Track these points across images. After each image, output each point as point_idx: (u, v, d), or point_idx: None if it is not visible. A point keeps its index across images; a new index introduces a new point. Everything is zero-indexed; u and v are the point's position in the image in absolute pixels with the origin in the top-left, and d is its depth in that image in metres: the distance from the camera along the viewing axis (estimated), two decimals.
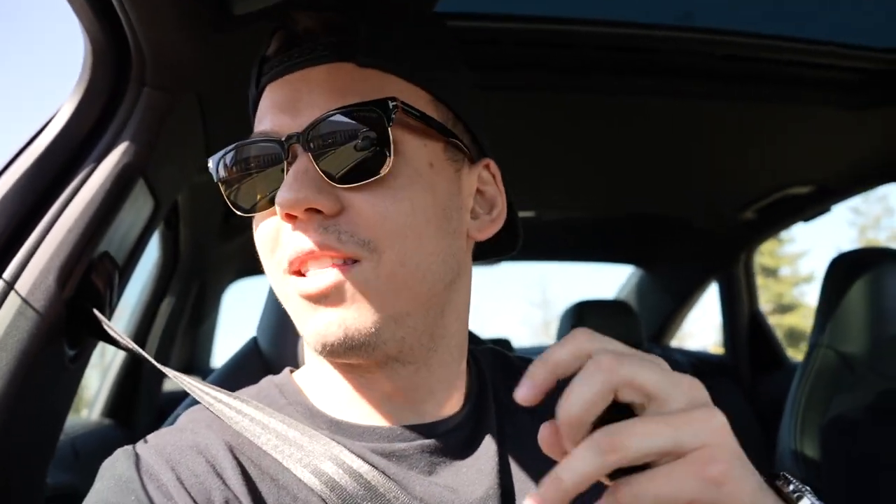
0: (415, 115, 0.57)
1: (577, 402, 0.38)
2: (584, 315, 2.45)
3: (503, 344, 2.34)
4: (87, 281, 0.78)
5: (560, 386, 0.40)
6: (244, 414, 0.59)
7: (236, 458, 0.56)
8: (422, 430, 0.60)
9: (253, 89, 0.63)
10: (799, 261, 19.54)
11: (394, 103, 0.54)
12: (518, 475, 0.62)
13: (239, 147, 0.58)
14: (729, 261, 2.53)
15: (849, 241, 20.11)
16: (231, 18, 0.79)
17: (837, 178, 1.88)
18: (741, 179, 1.94)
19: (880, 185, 1.88)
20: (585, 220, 2.48)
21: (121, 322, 1.85)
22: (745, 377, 2.50)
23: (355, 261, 0.54)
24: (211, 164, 0.60)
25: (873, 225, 20.33)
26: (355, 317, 0.54)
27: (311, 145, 0.54)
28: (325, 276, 0.54)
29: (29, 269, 0.71)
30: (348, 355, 0.56)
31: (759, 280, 2.70)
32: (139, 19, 0.74)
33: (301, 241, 0.54)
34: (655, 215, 2.28)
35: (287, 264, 0.55)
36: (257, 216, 0.59)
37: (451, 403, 0.63)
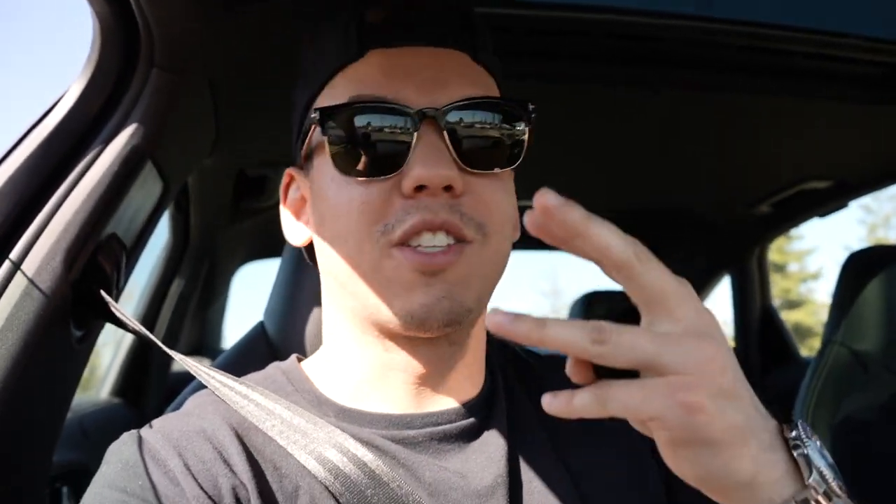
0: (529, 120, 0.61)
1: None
2: (594, 305, 2.43)
3: None
4: (94, 263, 0.78)
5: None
6: (250, 399, 0.59)
7: (243, 444, 0.56)
8: (433, 417, 0.61)
9: (337, 47, 0.61)
10: (807, 258, 19.44)
11: (532, 107, 0.59)
12: (525, 463, 0.62)
13: (357, 106, 0.58)
14: (742, 255, 2.51)
15: (857, 240, 19.90)
16: None
17: (856, 173, 1.85)
18: (758, 173, 1.91)
19: None
20: (598, 212, 2.45)
21: (131, 304, 1.86)
22: (756, 371, 2.48)
23: (468, 241, 0.57)
24: (315, 114, 0.59)
25: (883, 223, 20.09)
26: (462, 293, 0.57)
27: (449, 124, 0.56)
28: (443, 252, 0.56)
29: (35, 251, 0.71)
30: (443, 329, 0.57)
31: None
32: None
33: (429, 215, 0.55)
34: (668, 209, 2.26)
35: (398, 235, 0.56)
36: (349, 181, 0.58)
37: (468, 389, 0.64)
